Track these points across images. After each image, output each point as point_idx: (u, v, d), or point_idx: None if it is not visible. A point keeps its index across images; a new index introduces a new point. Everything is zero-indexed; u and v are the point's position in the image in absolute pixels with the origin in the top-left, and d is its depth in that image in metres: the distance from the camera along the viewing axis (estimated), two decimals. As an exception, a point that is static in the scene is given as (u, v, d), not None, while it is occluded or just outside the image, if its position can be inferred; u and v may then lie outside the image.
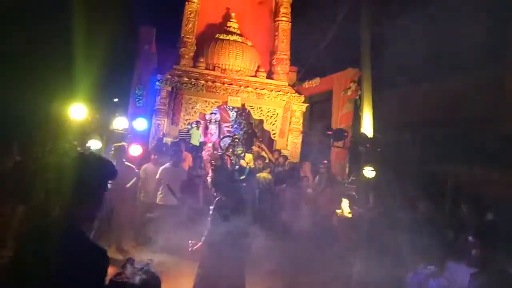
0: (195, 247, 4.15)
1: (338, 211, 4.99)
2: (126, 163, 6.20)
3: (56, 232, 1.69)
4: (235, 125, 13.94)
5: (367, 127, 9.47)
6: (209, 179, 6.16)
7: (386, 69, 9.63)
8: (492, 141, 7.22)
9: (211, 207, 4.23)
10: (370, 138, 9.07)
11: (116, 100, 12.97)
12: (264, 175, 8.93)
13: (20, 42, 7.89)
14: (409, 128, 9.47)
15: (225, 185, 4.32)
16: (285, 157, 9.98)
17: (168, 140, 9.95)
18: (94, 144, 7.53)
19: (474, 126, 7.51)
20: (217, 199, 4.23)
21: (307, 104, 11.55)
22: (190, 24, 10.95)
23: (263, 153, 10.43)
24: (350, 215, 4.82)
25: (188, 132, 11.41)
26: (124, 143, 6.63)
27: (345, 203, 5.11)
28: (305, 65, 11.97)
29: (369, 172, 8.44)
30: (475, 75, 7.82)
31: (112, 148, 6.44)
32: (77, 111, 6.72)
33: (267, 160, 9.83)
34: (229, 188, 4.32)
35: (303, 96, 11.38)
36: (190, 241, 4.20)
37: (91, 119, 7.43)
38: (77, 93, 7.42)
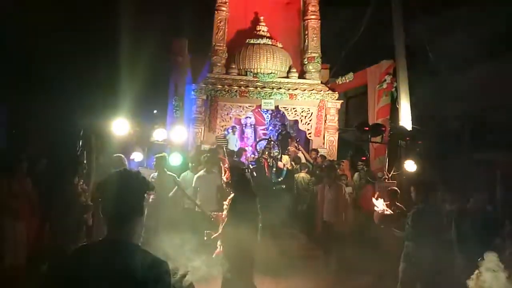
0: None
1: (376, 209, 4.89)
2: (168, 172, 6.44)
3: (117, 252, 1.62)
4: (270, 127, 14.00)
5: (406, 119, 9.23)
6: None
7: (423, 58, 9.33)
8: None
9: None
10: (410, 131, 8.82)
11: (155, 112, 13.48)
12: (302, 175, 8.97)
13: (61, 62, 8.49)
14: (451, 117, 9.10)
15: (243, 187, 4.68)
16: (323, 157, 9.90)
17: (206, 147, 10.21)
18: (137, 156, 7.91)
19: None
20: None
21: (341, 101, 11.40)
22: (221, 32, 11.18)
23: (300, 154, 10.42)
24: (389, 212, 4.71)
25: (225, 138, 11.62)
26: (165, 153, 6.89)
27: (379, 201, 5.01)
28: (338, 61, 11.82)
29: (410, 166, 8.20)
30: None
31: (154, 159, 6.72)
32: (119, 126, 7.09)
33: (303, 160, 9.82)
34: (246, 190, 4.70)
35: (337, 93, 11.24)
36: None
37: (132, 132, 7.79)
38: (119, 108, 7.86)
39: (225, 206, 4.77)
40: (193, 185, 6.93)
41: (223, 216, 4.79)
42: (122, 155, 6.34)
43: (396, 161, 8.92)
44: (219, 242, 4.75)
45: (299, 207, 8.71)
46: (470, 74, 8.69)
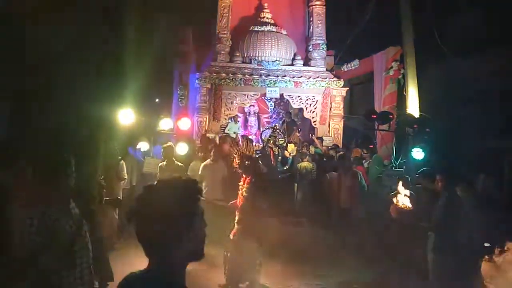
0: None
1: (395, 200, 4.80)
2: (176, 162, 6.41)
3: None
4: (274, 116, 13.92)
5: (413, 106, 9.13)
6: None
7: (430, 43, 9.17)
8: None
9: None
10: (417, 118, 8.73)
11: (157, 100, 13.39)
12: (305, 164, 8.84)
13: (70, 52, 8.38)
14: (460, 104, 9.00)
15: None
16: (336, 145, 9.81)
17: (210, 136, 10.16)
18: (143, 146, 7.87)
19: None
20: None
21: (347, 88, 11.28)
22: (224, 20, 11.01)
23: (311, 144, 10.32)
24: (409, 207, 4.61)
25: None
26: (171, 143, 6.85)
27: (401, 196, 4.90)
28: (343, 48, 11.66)
29: (418, 153, 8.14)
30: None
31: (162, 149, 6.68)
32: (125, 116, 7.03)
33: (304, 149, 9.74)
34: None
35: (342, 80, 11.12)
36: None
37: (138, 122, 7.74)
38: (124, 98, 7.79)
39: (241, 191, 5.01)
40: (199, 173, 6.91)
41: (239, 202, 5.02)
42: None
43: (404, 149, 8.86)
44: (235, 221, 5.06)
45: (305, 196, 8.67)
46: (481, 58, 8.55)
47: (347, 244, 6.54)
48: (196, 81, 10.54)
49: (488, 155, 6.52)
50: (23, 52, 7.77)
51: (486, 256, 2.47)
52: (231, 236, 5.03)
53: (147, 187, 1.39)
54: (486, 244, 3.97)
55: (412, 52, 9.11)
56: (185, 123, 8.49)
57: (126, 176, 6.07)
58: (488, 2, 8.44)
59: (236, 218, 5.06)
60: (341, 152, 8.54)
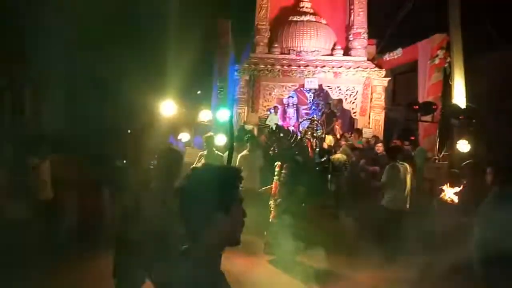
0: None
1: (445, 197, 4.64)
2: (217, 152, 6.59)
3: None
4: (313, 107, 13.80)
5: (460, 97, 8.70)
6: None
7: (479, 30, 8.67)
8: None
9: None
10: (464, 109, 8.33)
11: (199, 92, 13.68)
12: (338, 156, 8.64)
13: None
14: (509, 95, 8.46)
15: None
16: (376, 137, 9.58)
17: (249, 127, 10.29)
18: (184, 137, 8.14)
19: None
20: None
21: (389, 78, 10.95)
22: (263, 11, 11.04)
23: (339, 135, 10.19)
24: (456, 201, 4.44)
25: (265, 121, 11.64)
26: (211, 133, 7.03)
27: (450, 190, 4.71)
28: (385, 37, 11.29)
29: (464, 146, 7.78)
30: None
31: (203, 139, 6.89)
32: (167, 107, 7.29)
33: (342, 141, 9.59)
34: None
35: (384, 70, 10.81)
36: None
37: (179, 114, 7.99)
38: (166, 90, 8.08)
39: (278, 177, 5.36)
40: (236, 164, 7.06)
41: (274, 187, 5.31)
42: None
43: (448, 141, 8.50)
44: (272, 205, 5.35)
45: (338, 189, 8.51)
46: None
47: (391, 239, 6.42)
48: (235, 73, 10.68)
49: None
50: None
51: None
52: (271, 220, 5.27)
53: (194, 169, 1.50)
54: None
55: (459, 40, 8.66)
56: (224, 114, 8.62)
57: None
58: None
59: (273, 202, 5.27)
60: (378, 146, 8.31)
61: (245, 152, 7.10)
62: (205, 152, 6.59)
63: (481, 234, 4.27)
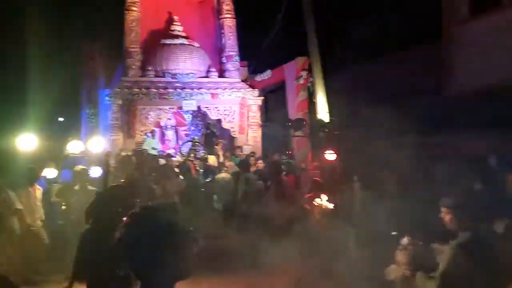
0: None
1: (319, 202, 5.02)
2: (89, 187, 5.96)
3: None
4: (193, 128, 13.79)
5: (323, 112, 9.76)
6: None
7: (334, 53, 9.93)
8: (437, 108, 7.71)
9: None
10: (327, 122, 9.34)
11: (61, 119, 12.35)
12: (223, 175, 8.74)
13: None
14: (366, 105, 9.86)
15: None
16: (253, 153, 9.95)
17: (124, 153, 9.69)
18: (50, 173, 7.17)
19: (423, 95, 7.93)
20: None
21: (262, 98, 11.65)
22: (133, 33, 10.65)
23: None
24: (332, 207, 4.86)
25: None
26: (84, 167, 6.36)
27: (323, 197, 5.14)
28: (255, 59, 12.05)
29: (330, 155, 8.73)
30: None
31: (73, 173, 6.18)
32: (26, 141, 6.36)
33: (221, 160, 9.78)
34: None
35: (257, 90, 11.47)
36: None
37: (43, 147, 7.05)
38: (25, 120, 7.06)
39: None
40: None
41: None
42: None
43: (318, 152, 9.40)
44: None
45: (225, 207, 8.58)
46: (379, 63, 9.49)
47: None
48: (106, 98, 10.00)
49: (393, 151, 7.18)
50: None
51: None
52: None
53: (134, 213, 1.47)
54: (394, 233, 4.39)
55: (318, 61, 9.77)
56: (97, 144, 7.94)
57: (20, 206, 5.45)
58: (379, 15, 9.44)
59: None
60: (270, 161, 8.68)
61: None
62: (77, 188, 5.91)
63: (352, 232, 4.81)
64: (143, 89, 10.37)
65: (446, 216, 2.61)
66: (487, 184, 4.85)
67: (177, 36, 11.16)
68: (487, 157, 5.64)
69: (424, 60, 8.37)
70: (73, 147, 7.39)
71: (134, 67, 10.63)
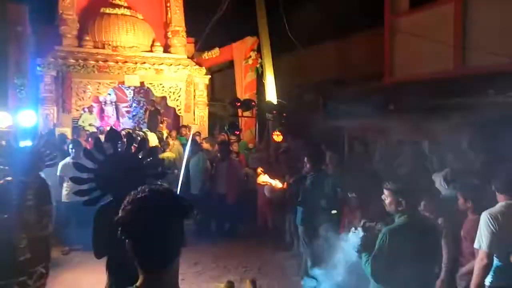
0: None
1: (269, 181, 5.07)
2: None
3: None
4: (134, 104, 13.16)
5: (271, 94, 9.81)
6: None
7: (284, 34, 9.90)
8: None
9: None
10: (275, 105, 9.43)
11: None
12: (168, 154, 8.48)
13: None
14: (311, 88, 10.09)
15: None
16: (199, 133, 9.76)
17: (61, 130, 9.00)
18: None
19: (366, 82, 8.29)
20: None
21: (209, 76, 11.39)
22: (68, -1, 9.70)
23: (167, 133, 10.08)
24: (280, 185, 4.94)
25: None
26: (3, 142, 5.73)
27: (265, 176, 5.20)
28: (202, 36, 11.66)
29: (277, 137, 8.87)
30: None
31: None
32: None
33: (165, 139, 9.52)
34: None
35: (204, 68, 11.16)
36: None
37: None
38: None
39: None
40: (57, 173, 6.06)
41: None
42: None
43: (265, 133, 9.50)
44: None
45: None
46: (323, 48, 9.70)
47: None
48: (38, 68, 9.09)
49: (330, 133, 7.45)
50: None
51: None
52: None
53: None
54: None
55: (268, 43, 9.72)
56: (28, 117, 7.22)
57: None
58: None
59: None
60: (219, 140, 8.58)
61: (68, 160, 6.14)
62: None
63: (305, 210, 4.95)
64: (80, 61, 9.59)
65: (386, 198, 2.73)
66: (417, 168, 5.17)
67: (118, 6, 10.41)
68: (418, 143, 6.04)
69: (367, 46, 8.72)
70: (1, 121, 6.65)
71: (69, 35, 9.75)
